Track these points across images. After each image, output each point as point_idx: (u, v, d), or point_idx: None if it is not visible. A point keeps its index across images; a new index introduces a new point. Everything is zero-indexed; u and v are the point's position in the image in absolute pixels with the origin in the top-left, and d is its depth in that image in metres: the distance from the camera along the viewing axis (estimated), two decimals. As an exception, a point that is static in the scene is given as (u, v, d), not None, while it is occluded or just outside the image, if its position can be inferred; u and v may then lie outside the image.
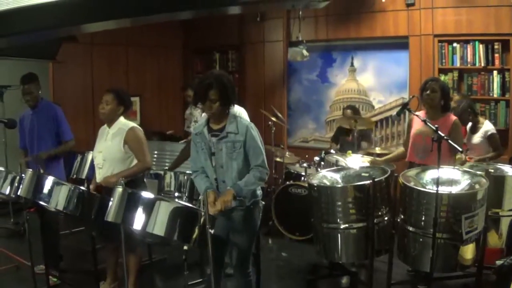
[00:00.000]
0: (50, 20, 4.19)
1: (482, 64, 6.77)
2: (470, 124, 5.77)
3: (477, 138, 5.63)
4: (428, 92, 4.71)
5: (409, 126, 4.99)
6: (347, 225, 3.93)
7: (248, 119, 5.09)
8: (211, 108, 3.65)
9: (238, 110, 5.23)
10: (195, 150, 3.85)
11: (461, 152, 4.15)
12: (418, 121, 4.81)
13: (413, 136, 4.84)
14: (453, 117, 4.80)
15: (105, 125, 4.61)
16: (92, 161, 4.86)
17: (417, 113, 4.46)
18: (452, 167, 4.17)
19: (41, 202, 4.10)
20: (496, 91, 6.73)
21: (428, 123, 4.07)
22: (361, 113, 7.59)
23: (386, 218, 4.04)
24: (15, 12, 4.21)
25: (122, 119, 4.57)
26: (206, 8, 4.04)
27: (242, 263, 3.83)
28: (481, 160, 5.37)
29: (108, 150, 4.46)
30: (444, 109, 4.76)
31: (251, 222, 3.81)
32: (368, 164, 5.24)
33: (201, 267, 4.90)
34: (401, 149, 5.24)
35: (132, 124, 4.57)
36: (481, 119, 5.80)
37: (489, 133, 5.58)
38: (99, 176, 4.47)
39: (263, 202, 3.95)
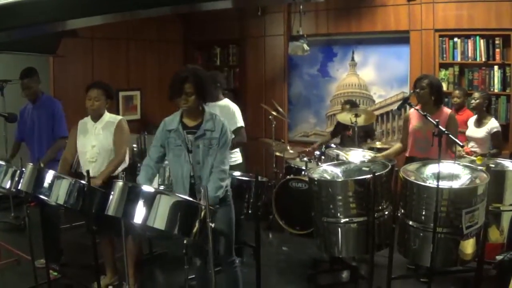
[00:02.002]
0: (49, 13, 4.18)
1: (483, 59, 6.77)
2: (475, 117, 5.82)
3: (481, 132, 5.67)
4: (417, 90, 4.85)
5: (407, 121, 5.04)
6: (347, 220, 3.93)
7: (240, 117, 5.17)
8: (187, 102, 3.72)
9: (231, 106, 5.26)
10: (158, 144, 3.87)
11: (462, 146, 4.15)
12: (416, 116, 4.87)
13: (413, 131, 4.88)
14: (448, 110, 4.94)
15: (86, 120, 4.65)
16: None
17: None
18: (453, 161, 4.17)
19: (42, 196, 4.10)
20: (496, 86, 6.73)
21: (429, 118, 4.09)
22: (361, 107, 7.59)
23: (386, 213, 4.03)
24: (15, 5, 4.20)
25: (107, 113, 4.65)
26: (207, 1, 4.02)
27: (226, 251, 3.88)
28: (482, 156, 5.40)
29: (102, 144, 4.50)
30: (436, 103, 4.86)
31: (228, 211, 3.87)
32: (369, 158, 5.24)
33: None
34: (398, 144, 5.26)
35: (120, 117, 4.69)
36: (487, 115, 5.84)
37: (494, 130, 5.64)
38: (94, 170, 4.43)
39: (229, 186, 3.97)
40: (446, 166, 4.04)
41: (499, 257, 4.62)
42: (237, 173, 5.08)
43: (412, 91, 4.96)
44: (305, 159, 6.72)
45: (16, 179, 4.42)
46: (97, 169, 4.45)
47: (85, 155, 4.57)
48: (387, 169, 4.08)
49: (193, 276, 4.18)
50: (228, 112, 5.15)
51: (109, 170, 4.43)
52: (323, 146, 6.72)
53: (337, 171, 4.47)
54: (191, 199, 3.51)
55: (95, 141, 4.53)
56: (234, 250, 3.97)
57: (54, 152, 5.33)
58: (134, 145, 6.08)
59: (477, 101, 5.72)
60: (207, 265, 3.97)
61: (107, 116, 4.61)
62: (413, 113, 4.92)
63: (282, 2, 7.62)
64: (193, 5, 4.30)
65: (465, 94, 6.39)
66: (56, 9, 4.12)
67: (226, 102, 5.31)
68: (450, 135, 3.92)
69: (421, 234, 3.75)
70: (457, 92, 6.38)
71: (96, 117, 4.58)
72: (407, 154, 4.99)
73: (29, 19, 4.25)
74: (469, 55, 6.88)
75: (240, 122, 5.21)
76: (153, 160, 3.91)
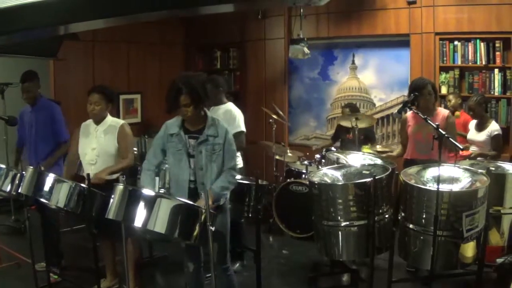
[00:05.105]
0: (51, 17, 4.18)
1: (483, 62, 6.78)
2: (475, 121, 5.84)
3: (482, 136, 5.70)
4: (427, 96, 4.88)
5: (405, 124, 5.11)
6: (348, 223, 3.92)
7: (242, 122, 5.16)
8: (187, 113, 3.72)
9: (234, 110, 5.26)
10: (159, 149, 3.89)
11: (462, 149, 4.15)
12: (414, 119, 4.91)
13: (413, 134, 4.92)
14: (445, 111, 5.04)
15: (89, 122, 4.66)
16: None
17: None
18: (453, 164, 4.17)
19: (42, 200, 4.11)
20: (497, 90, 6.73)
21: (429, 121, 4.09)
22: (362, 111, 7.60)
23: (387, 216, 4.03)
24: (16, 9, 4.20)
25: (109, 116, 4.64)
26: (208, 5, 4.03)
27: (221, 258, 3.85)
28: (481, 155, 5.44)
29: (102, 147, 4.50)
30: (434, 105, 5.02)
31: (224, 218, 3.87)
32: (369, 162, 5.23)
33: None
34: (400, 147, 5.30)
35: (122, 121, 4.69)
36: (488, 118, 5.86)
37: (495, 133, 5.66)
38: (92, 172, 4.42)
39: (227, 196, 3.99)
40: (447, 169, 4.04)
41: (499, 260, 4.63)
42: (237, 177, 5.08)
43: (414, 94, 4.88)
44: (306, 162, 6.72)
45: (17, 182, 4.43)
46: (96, 172, 4.44)
47: (85, 157, 4.58)
48: (387, 173, 4.08)
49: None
50: (230, 116, 5.16)
51: (117, 168, 4.43)
52: (324, 150, 6.73)
53: (338, 174, 4.46)
54: (191, 202, 3.52)
55: (95, 143, 4.53)
56: (236, 254, 3.96)
57: (56, 157, 5.37)
58: (135, 149, 6.06)
59: (471, 104, 5.75)
60: (200, 270, 3.98)
61: (109, 119, 4.61)
62: (410, 116, 4.96)
63: (282, 5, 7.62)
64: (194, 9, 4.30)
65: (459, 96, 6.44)
66: (59, 12, 4.13)
67: (229, 106, 5.32)
68: (450, 139, 3.92)
69: (422, 237, 3.74)
70: (451, 96, 6.46)
71: (98, 120, 4.58)
72: (407, 157, 4.99)
73: (32, 22, 4.26)
74: (470, 58, 6.88)
75: (241, 127, 5.21)
76: (153, 165, 3.92)
